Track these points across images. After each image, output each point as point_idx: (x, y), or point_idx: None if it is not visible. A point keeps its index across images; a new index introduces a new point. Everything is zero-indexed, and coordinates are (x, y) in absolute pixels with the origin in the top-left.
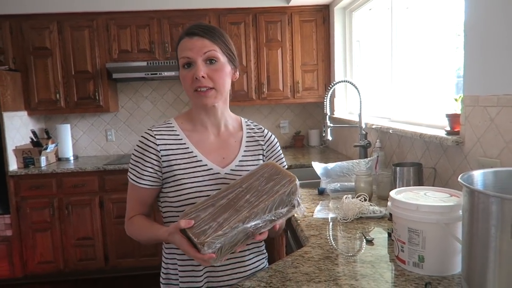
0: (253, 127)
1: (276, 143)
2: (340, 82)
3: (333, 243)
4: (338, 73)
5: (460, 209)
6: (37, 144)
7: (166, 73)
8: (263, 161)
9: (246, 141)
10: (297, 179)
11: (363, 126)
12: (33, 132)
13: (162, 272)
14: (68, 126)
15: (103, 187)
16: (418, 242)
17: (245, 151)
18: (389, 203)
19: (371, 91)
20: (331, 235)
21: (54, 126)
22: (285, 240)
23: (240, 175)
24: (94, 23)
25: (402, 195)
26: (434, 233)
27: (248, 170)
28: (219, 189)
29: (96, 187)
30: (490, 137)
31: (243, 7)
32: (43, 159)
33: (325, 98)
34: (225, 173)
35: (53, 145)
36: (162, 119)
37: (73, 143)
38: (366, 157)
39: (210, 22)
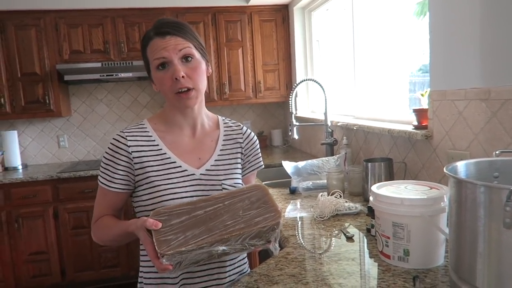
0: (231, 125)
1: (256, 141)
2: (305, 80)
3: (314, 242)
4: (299, 73)
5: (442, 201)
6: None
7: (122, 75)
8: (241, 159)
9: (223, 140)
10: (281, 216)
11: (329, 124)
12: None
13: (139, 283)
14: (15, 132)
15: (57, 197)
16: (403, 236)
17: (221, 150)
18: (371, 198)
19: (333, 90)
20: (310, 234)
21: None
22: None
23: (217, 175)
24: (41, 21)
25: (384, 189)
26: (418, 226)
27: (225, 170)
28: (195, 190)
29: (49, 197)
30: (458, 130)
31: (202, 6)
32: None
33: (290, 97)
34: (201, 174)
35: None
36: (118, 122)
37: (21, 151)
38: (333, 154)
39: None
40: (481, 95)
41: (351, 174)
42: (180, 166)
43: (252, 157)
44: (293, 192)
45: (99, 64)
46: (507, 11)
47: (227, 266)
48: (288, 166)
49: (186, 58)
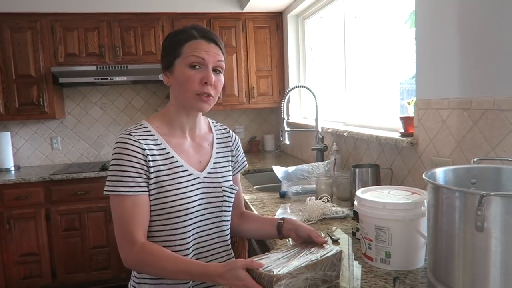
0: (220, 128)
1: (240, 142)
2: (296, 87)
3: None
4: (292, 79)
5: (423, 206)
6: None
7: (117, 78)
8: (232, 161)
9: (217, 143)
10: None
11: (320, 130)
12: None
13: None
14: (8, 134)
15: (49, 199)
16: (385, 239)
17: (217, 153)
18: (355, 203)
19: (325, 96)
20: None
21: None
22: (248, 245)
23: (216, 177)
24: (37, 24)
25: (368, 194)
26: (399, 230)
27: (222, 172)
28: (201, 193)
29: (41, 199)
30: (442, 138)
31: (197, 12)
32: None
33: (282, 103)
34: (204, 177)
35: None
36: (112, 126)
37: (14, 152)
38: (323, 160)
39: (163, 26)
40: (463, 105)
41: (339, 179)
42: (187, 170)
43: (240, 158)
44: (283, 196)
45: (94, 68)
46: (485, 27)
47: None
48: (279, 170)
49: (217, 70)
